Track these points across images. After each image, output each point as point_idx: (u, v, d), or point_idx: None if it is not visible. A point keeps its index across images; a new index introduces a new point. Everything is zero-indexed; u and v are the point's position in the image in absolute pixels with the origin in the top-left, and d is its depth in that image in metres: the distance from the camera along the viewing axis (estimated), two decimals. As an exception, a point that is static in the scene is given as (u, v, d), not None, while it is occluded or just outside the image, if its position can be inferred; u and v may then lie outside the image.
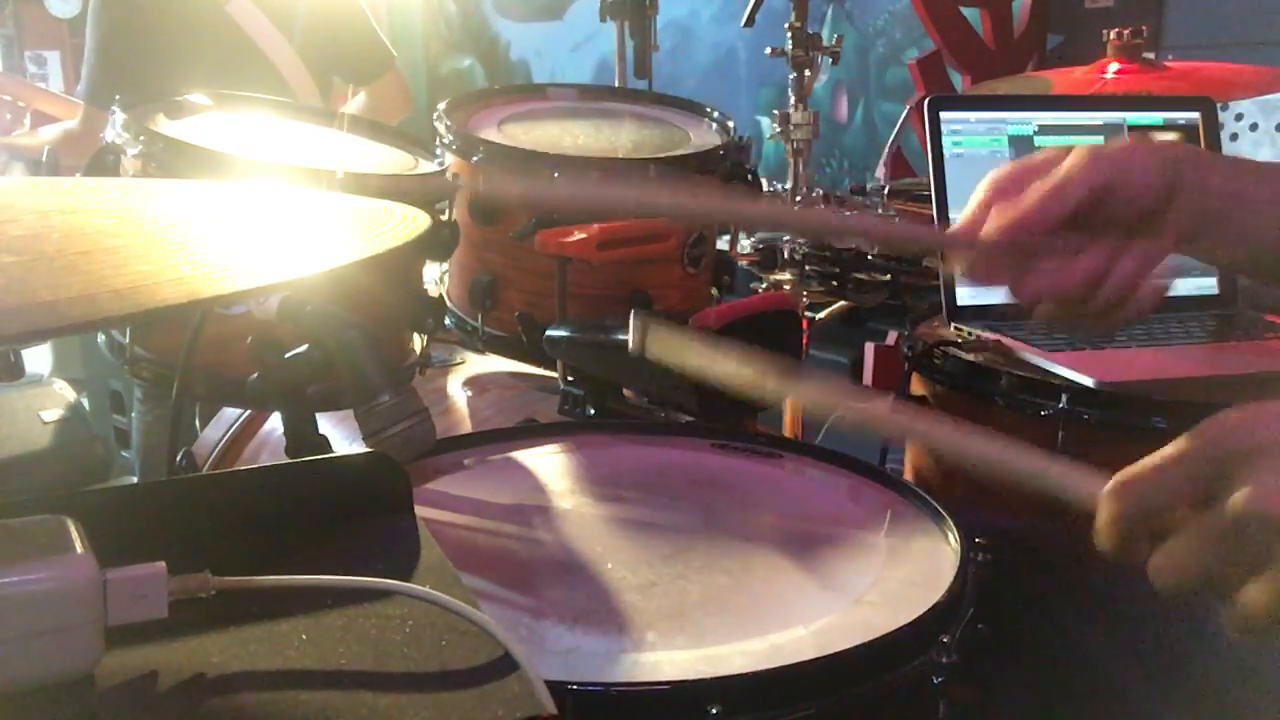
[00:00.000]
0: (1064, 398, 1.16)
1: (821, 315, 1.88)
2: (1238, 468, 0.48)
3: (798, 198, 1.81)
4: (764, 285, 1.79)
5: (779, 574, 0.83)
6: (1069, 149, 0.72)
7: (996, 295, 1.31)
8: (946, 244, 0.75)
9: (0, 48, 4.74)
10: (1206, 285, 1.47)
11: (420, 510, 0.68)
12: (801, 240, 1.76)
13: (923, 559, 0.86)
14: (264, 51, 2.07)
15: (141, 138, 1.13)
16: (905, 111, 2.57)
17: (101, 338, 1.24)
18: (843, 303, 1.83)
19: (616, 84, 1.97)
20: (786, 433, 2.01)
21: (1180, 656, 0.96)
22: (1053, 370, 1.20)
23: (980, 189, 0.74)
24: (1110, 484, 0.51)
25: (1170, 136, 1.46)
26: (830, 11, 3.49)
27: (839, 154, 3.60)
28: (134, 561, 0.50)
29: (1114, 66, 1.81)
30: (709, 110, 1.58)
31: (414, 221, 0.58)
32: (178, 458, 1.17)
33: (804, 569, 0.84)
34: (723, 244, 1.55)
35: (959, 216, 0.75)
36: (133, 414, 2.26)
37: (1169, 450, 0.50)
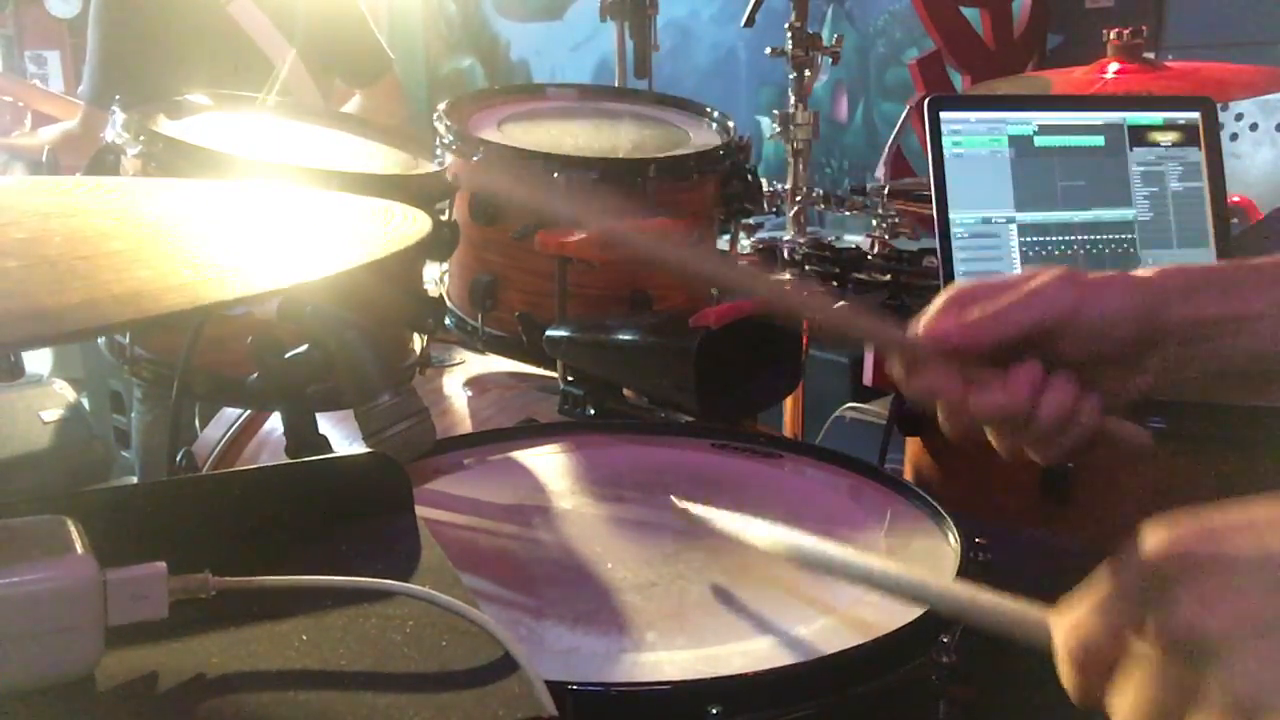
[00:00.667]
0: (1064, 398, 1.16)
1: (821, 315, 1.88)
2: (1163, 595, 0.43)
3: (797, 198, 1.81)
4: (764, 285, 1.79)
5: (779, 574, 0.83)
6: (1051, 272, 0.66)
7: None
8: (883, 342, 0.71)
9: (0, 48, 4.73)
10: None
11: (420, 510, 0.68)
12: (801, 240, 1.76)
13: (923, 559, 0.86)
14: (264, 52, 2.07)
15: (142, 138, 1.13)
16: (905, 111, 2.57)
17: (102, 338, 1.24)
18: (843, 303, 1.83)
19: (616, 84, 1.97)
20: (786, 433, 2.01)
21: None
22: (1052, 370, 1.20)
23: (940, 298, 0.70)
24: (1055, 632, 0.49)
25: (1171, 137, 1.46)
26: (830, 11, 3.49)
27: (839, 154, 3.60)
28: (134, 561, 0.50)
29: (1114, 66, 1.81)
30: (709, 110, 1.58)
31: (414, 222, 0.58)
32: (178, 458, 1.17)
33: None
34: (723, 244, 1.55)
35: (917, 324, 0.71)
36: (133, 414, 2.26)
37: (1103, 583, 0.47)
